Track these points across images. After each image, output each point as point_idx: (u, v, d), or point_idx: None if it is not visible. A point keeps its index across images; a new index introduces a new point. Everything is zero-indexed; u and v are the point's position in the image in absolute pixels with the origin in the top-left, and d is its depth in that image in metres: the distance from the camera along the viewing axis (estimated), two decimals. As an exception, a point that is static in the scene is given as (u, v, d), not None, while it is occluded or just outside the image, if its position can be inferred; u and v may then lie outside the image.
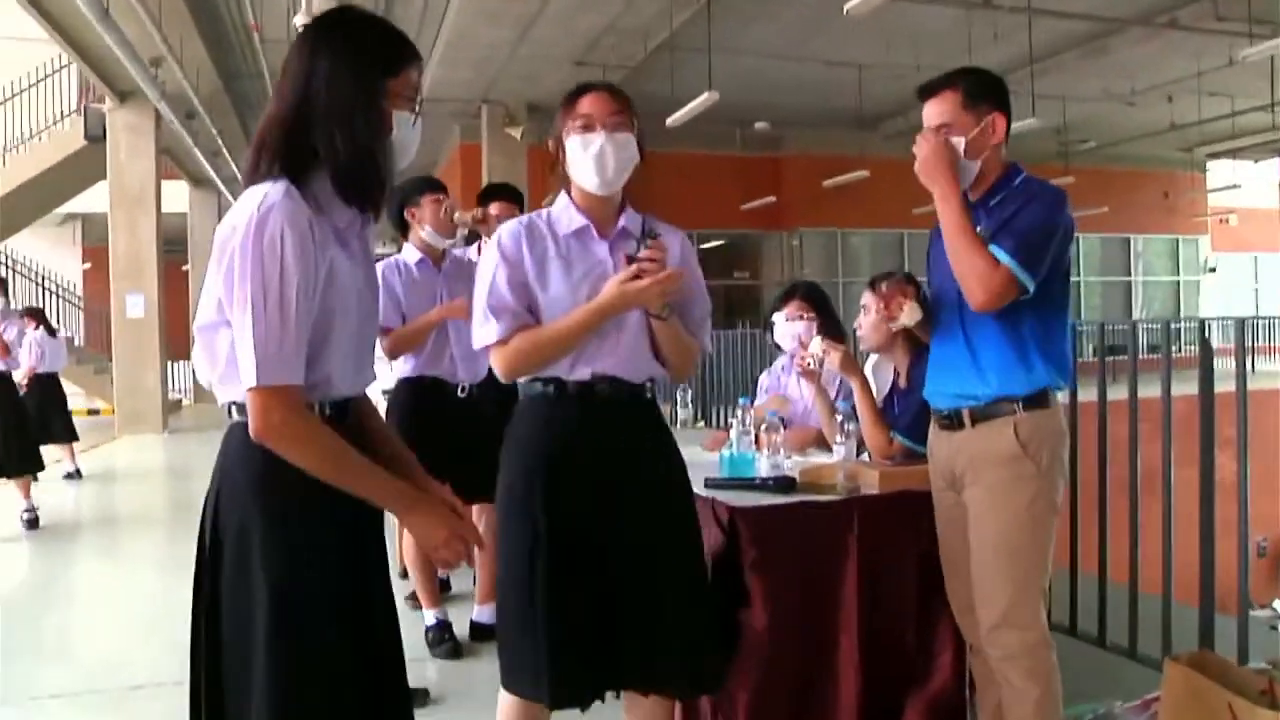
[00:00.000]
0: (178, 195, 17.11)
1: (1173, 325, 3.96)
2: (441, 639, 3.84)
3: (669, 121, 11.82)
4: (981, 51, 11.19)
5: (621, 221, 2.20)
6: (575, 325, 2.09)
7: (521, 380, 2.18)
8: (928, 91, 2.39)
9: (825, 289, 3.76)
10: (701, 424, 5.13)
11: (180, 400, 17.28)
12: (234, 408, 1.64)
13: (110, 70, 11.47)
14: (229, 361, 1.60)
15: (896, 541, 2.59)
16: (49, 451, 8.71)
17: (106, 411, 14.56)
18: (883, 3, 8.30)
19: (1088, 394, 3.49)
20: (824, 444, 3.28)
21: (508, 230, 2.19)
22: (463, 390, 3.83)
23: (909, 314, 2.59)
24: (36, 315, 9.58)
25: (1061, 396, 2.45)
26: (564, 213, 2.20)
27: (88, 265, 20.66)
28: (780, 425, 2.86)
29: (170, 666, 3.79)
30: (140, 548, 6.72)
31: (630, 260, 2.09)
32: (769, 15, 11.70)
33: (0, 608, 5.18)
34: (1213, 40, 12.24)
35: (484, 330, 2.14)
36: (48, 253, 19.97)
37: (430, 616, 3.89)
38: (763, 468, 2.77)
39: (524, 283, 2.13)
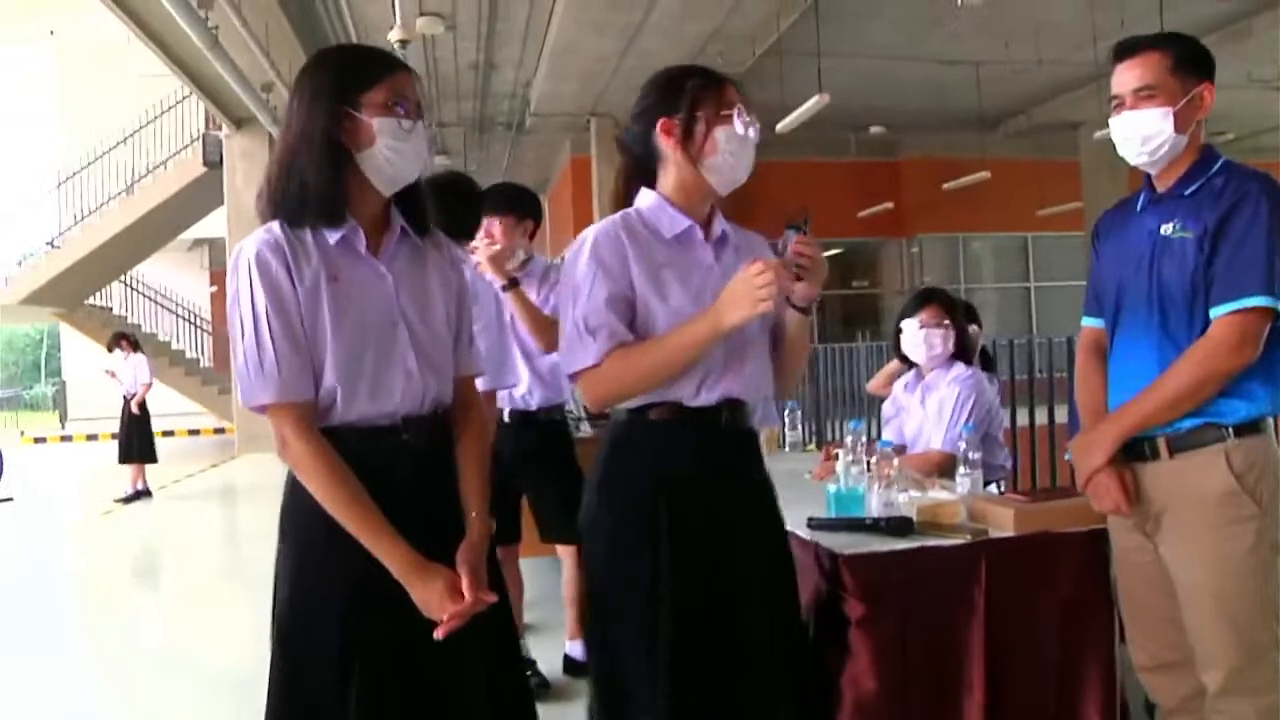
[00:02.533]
0: (296, 218, 17.51)
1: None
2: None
3: (779, 128, 11.47)
4: (1107, 42, 10.46)
5: (718, 226, 1.95)
6: (691, 344, 1.78)
7: (623, 406, 1.88)
8: (1128, 50, 2.02)
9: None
10: (813, 447, 4.76)
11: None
12: None
13: (225, 98, 11.78)
14: None
15: (1032, 593, 2.22)
16: (123, 471, 9.18)
17: (230, 430, 14.96)
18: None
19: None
20: (949, 473, 2.92)
21: (604, 233, 1.86)
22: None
23: None
24: (130, 339, 9.71)
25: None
26: (661, 213, 1.90)
27: (214, 289, 21.35)
28: (893, 455, 2.53)
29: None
30: (260, 566, 6.77)
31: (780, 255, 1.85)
32: (879, 14, 11.24)
33: (126, 622, 5.29)
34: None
35: (580, 352, 1.81)
36: (178, 278, 20.78)
37: None
38: (874, 505, 2.44)
39: (628, 297, 1.82)
